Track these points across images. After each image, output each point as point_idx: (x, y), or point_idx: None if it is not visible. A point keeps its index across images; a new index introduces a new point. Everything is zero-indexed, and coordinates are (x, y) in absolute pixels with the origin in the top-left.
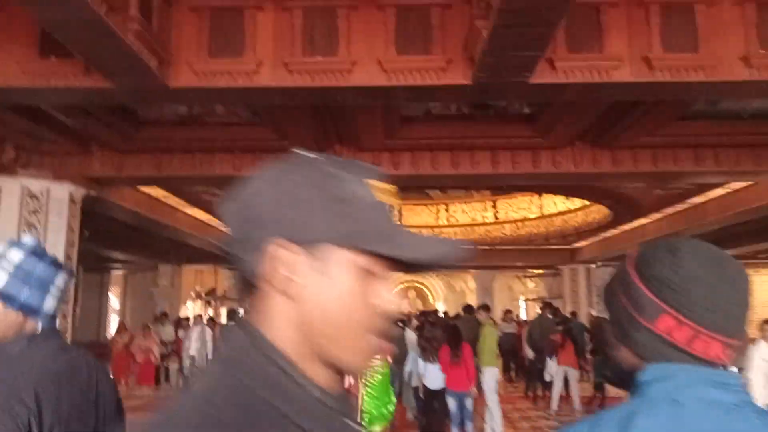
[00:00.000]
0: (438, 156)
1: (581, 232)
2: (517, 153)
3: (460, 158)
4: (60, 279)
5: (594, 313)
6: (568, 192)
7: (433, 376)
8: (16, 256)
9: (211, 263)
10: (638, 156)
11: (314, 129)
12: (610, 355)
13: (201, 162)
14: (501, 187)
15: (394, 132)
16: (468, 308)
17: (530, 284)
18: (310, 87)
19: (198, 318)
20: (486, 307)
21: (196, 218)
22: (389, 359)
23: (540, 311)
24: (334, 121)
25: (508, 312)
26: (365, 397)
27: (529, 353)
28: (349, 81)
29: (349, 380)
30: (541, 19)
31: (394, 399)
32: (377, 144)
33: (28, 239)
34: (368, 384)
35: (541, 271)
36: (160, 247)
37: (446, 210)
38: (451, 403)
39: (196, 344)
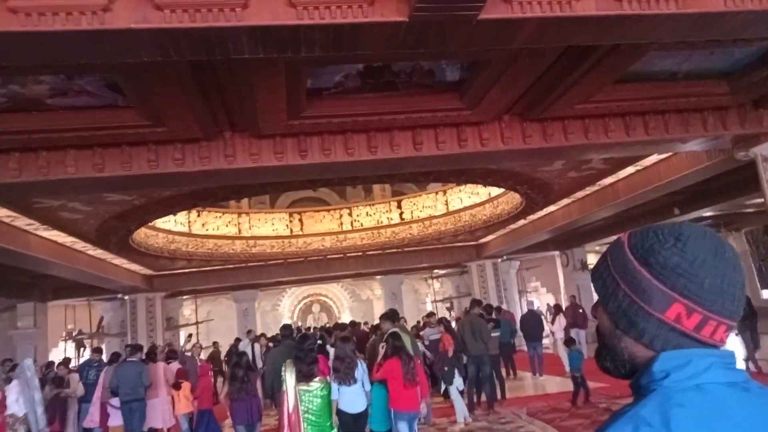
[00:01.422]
0: (352, 139)
1: (489, 226)
2: (440, 131)
3: (378, 141)
4: None
5: (504, 307)
6: (485, 179)
7: (351, 399)
8: None
9: (84, 296)
10: (569, 128)
11: (199, 111)
12: (611, 346)
13: (48, 162)
14: (418, 176)
15: (300, 110)
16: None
17: (437, 285)
18: (189, 29)
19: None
20: (392, 314)
21: (56, 243)
22: (329, 380)
23: (467, 310)
24: (224, 99)
25: (430, 315)
26: (305, 424)
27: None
28: (244, 19)
29: (287, 405)
30: None
31: (334, 422)
32: (279, 127)
33: None
34: (308, 410)
35: (447, 271)
36: (14, 281)
37: (349, 215)
38: (403, 428)
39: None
